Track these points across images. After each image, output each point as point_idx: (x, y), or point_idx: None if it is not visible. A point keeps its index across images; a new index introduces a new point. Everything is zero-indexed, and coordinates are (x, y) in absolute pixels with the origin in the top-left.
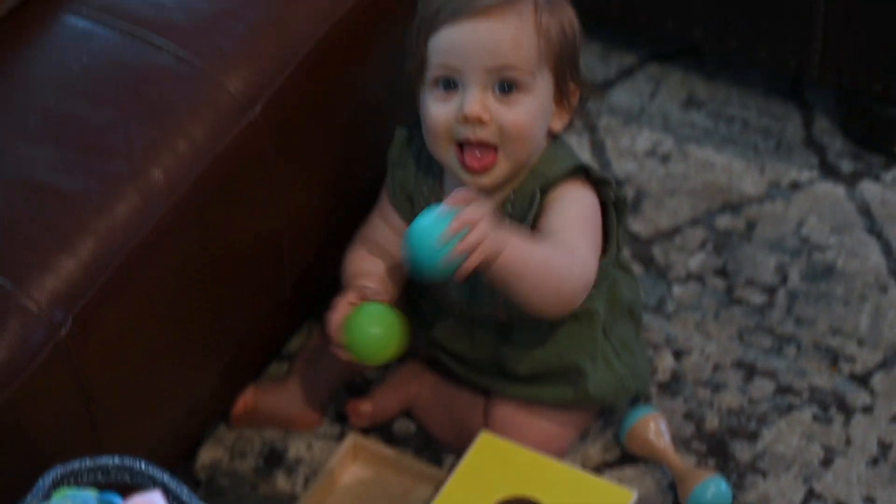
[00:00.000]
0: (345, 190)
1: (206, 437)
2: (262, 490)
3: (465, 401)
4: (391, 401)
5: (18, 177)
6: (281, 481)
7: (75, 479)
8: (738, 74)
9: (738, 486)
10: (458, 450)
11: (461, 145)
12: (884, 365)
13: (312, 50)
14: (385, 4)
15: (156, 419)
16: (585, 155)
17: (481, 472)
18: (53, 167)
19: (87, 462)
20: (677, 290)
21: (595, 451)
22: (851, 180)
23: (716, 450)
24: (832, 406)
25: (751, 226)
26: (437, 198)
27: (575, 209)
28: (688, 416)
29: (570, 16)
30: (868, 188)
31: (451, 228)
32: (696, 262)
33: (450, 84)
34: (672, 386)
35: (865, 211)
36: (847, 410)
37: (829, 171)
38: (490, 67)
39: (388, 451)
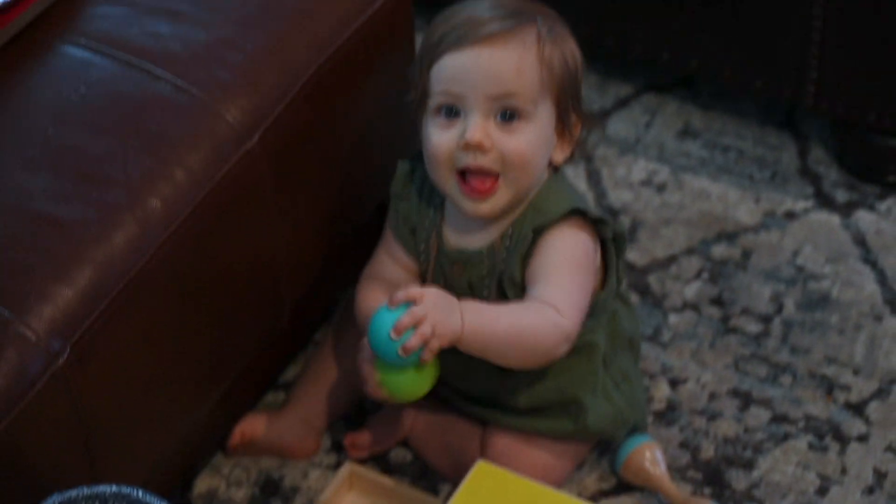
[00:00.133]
0: (342, 219)
1: (203, 465)
2: None
3: (461, 430)
4: (388, 431)
5: (17, 206)
6: None
7: None
8: (734, 105)
9: None
10: (455, 479)
11: (463, 174)
12: (879, 394)
13: (310, 80)
14: (382, 34)
15: (153, 447)
16: (582, 184)
17: (478, 501)
18: (51, 196)
19: (85, 490)
20: (673, 318)
21: (591, 480)
22: (846, 210)
23: (711, 478)
24: (828, 435)
25: (746, 255)
26: (439, 229)
27: (563, 255)
28: (683, 444)
29: (572, 47)
30: (863, 218)
31: (399, 326)
32: (691, 291)
33: (452, 112)
34: (668, 415)
35: (860, 240)
36: (843, 439)
37: (824, 200)
38: (492, 95)
39: (384, 480)
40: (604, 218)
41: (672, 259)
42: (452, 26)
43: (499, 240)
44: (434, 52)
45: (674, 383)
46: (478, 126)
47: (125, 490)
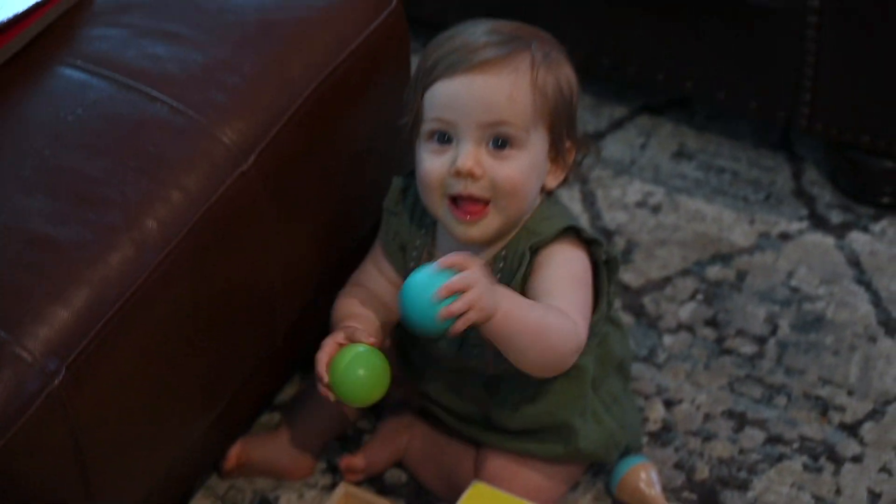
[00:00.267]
0: (337, 241)
1: (198, 486)
2: None
3: (456, 451)
4: (383, 453)
5: (13, 226)
6: None
7: None
8: (728, 126)
9: None
10: (450, 500)
11: (454, 199)
12: (873, 415)
13: (306, 101)
14: (378, 57)
15: (148, 468)
16: (576, 206)
17: None
18: (48, 217)
19: None
20: (668, 340)
21: (586, 501)
22: (841, 231)
23: (706, 499)
24: (822, 456)
25: (741, 276)
26: (430, 250)
27: (565, 270)
28: (678, 465)
29: (567, 73)
30: (857, 239)
31: (444, 289)
32: (686, 312)
33: (444, 138)
34: (663, 435)
35: (855, 262)
36: (837, 460)
37: (818, 222)
38: (484, 123)
39: (379, 501)
40: (598, 239)
41: (667, 280)
42: (447, 52)
43: (492, 262)
44: (428, 77)
45: (668, 404)
46: (469, 154)
47: None
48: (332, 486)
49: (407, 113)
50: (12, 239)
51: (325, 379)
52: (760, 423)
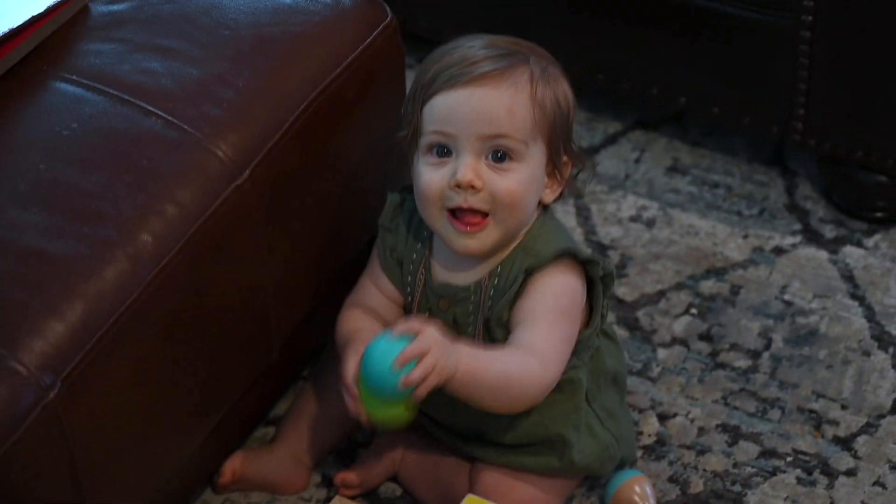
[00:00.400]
0: (332, 254)
1: (193, 500)
2: None
3: (450, 465)
4: (378, 468)
5: (8, 241)
6: None
7: None
8: (722, 141)
9: None
10: None
11: (454, 211)
12: (867, 428)
13: (301, 116)
14: (373, 71)
15: (143, 482)
16: (571, 221)
17: None
18: (43, 232)
19: None
20: (662, 353)
21: None
22: (834, 245)
23: None
24: (816, 469)
25: (735, 290)
26: (426, 264)
27: (553, 301)
28: (673, 479)
29: (564, 88)
30: (851, 253)
31: (401, 358)
32: (680, 326)
33: (443, 151)
34: (657, 449)
35: (848, 276)
36: (831, 474)
37: (812, 236)
38: (484, 135)
39: None
40: (594, 258)
41: (661, 294)
42: (446, 65)
43: (487, 277)
44: (427, 90)
45: (663, 418)
46: (469, 166)
47: None
48: (327, 501)
49: (405, 126)
50: (7, 253)
51: (357, 393)
52: (754, 437)
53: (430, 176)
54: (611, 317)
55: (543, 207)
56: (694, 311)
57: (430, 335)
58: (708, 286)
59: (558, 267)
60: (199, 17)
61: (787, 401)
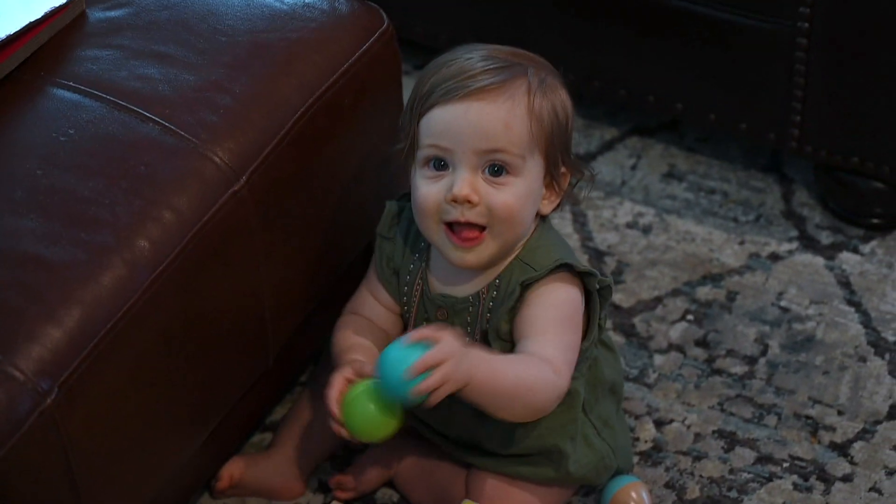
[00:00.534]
0: (329, 261)
1: None
2: None
3: (446, 471)
4: (374, 472)
5: (5, 247)
6: None
7: None
8: (719, 148)
9: None
10: None
11: (450, 225)
12: (863, 434)
13: (297, 122)
14: (370, 78)
15: (140, 488)
16: (567, 228)
17: None
18: (40, 238)
19: None
20: (658, 360)
21: None
22: (830, 252)
23: None
24: (812, 475)
25: (731, 297)
26: (423, 274)
27: (556, 311)
28: (669, 485)
29: (563, 98)
30: (847, 259)
31: (417, 366)
32: (676, 332)
33: (440, 164)
34: (653, 455)
35: (845, 282)
36: (827, 480)
37: (808, 242)
38: (481, 150)
39: None
40: (591, 271)
41: (657, 300)
42: (443, 78)
43: (485, 289)
44: (424, 103)
45: (659, 424)
46: (466, 181)
47: None
48: None
49: (402, 138)
50: (4, 259)
51: (338, 416)
52: (751, 443)
53: (427, 189)
54: (608, 324)
55: (541, 218)
56: (690, 317)
57: (448, 342)
58: (704, 292)
59: (555, 279)
60: (195, 23)
61: (783, 407)
